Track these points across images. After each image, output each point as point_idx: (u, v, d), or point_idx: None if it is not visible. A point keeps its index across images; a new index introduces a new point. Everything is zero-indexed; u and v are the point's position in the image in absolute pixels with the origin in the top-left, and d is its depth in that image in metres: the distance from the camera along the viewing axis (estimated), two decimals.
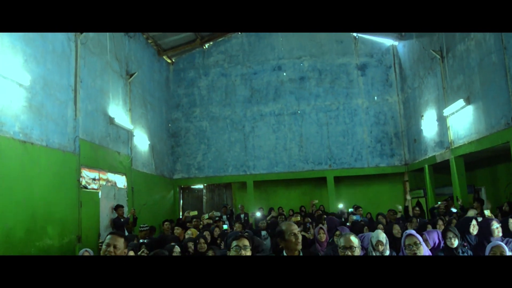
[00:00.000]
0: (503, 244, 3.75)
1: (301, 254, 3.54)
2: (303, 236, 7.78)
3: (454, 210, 9.36)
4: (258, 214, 11.91)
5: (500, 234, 5.01)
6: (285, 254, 3.56)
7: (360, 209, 10.89)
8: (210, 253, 3.23)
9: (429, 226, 6.65)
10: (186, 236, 7.14)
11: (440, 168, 12.36)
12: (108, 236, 3.35)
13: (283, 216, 11.31)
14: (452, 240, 4.69)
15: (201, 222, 9.95)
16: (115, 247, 3.27)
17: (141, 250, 5.96)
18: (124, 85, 10.99)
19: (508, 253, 3.66)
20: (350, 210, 12.11)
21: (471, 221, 5.70)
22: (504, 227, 5.49)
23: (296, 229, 3.54)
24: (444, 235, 4.83)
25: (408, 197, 11.30)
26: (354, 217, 9.08)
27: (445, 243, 4.77)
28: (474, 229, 5.62)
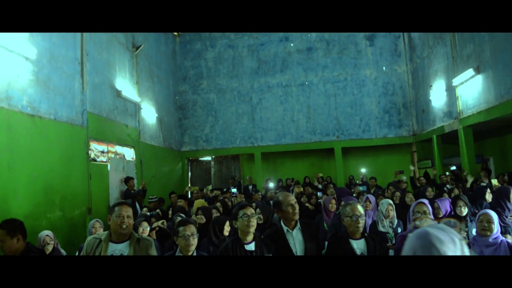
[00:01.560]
0: (490, 212, 3.77)
1: (298, 224, 3.62)
2: (306, 207, 7.87)
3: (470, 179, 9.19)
4: (271, 185, 11.98)
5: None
6: (282, 224, 3.64)
7: (373, 179, 11.01)
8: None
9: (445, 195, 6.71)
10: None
11: (449, 138, 12.30)
12: (117, 208, 3.31)
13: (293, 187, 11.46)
14: (462, 208, 4.74)
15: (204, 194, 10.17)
16: (128, 217, 3.30)
17: (156, 222, 6.09)
18: (131, 57, 10.96)
19: (495, 221, 3.68)
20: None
21: (486, 189, 5.76)
22: None
23: (293, 200, 3.61)
24: (454, 203, 4.88)
25: (412, 168, 11.37)
26: (360, 188, 9.15)
27: (454, 211, 4.82)
28: (489, 196, 5.68)
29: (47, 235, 4.94)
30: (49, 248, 4.78)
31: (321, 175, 13.24)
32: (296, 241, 3.54)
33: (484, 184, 7.69)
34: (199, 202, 7.07)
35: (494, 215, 3.73)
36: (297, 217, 3.60)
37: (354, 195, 8.19)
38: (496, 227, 3.66)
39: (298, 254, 3.49)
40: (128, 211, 3.31)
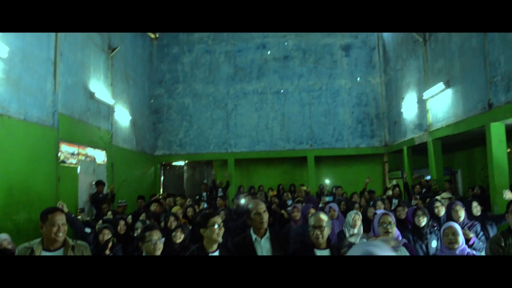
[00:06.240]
0: (454, 224, 3.87)
1: (267, 233, 3.61)
2: (281, 214, 7.90)
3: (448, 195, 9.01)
4: (242, 201, 11.77)
5: (462, 217, 5.14)
6: (252, 231, 3.64)
7: (340, 188, 11.06)
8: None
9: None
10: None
11: (419, 150, 12.55)
12: (50, 216, 3.23)
13: (263, 194, 11.41)
14: (420, 218, 4.83)
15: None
16: (63, 224, 3.23)
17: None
18: (106, 59, 10.85)
19: (460, 232, 3.78)
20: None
21: (434, 203, 5.85)
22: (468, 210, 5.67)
23: (261, 208, 3.59)
24: (413, 213, 4.98)
25: (394, 182, 11.54)
26: (327, 198, 9.24)
27: (413, 221, 4.91)
28: (439, 210, 5.75)
29: (4, 239, 4.82)
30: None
31: (304, 188, 12.79)
32: (263, 250, 3.50)
33: (450, 197, 7.80)
34: (175, 209, 7.18)
35: (458, 227, 3.82)
36: (265, 225, 3.58)
37: (320, 205, 8.29)
38: (461, 239, 3.76)
39: None
40: (62, 218, 3.25)
